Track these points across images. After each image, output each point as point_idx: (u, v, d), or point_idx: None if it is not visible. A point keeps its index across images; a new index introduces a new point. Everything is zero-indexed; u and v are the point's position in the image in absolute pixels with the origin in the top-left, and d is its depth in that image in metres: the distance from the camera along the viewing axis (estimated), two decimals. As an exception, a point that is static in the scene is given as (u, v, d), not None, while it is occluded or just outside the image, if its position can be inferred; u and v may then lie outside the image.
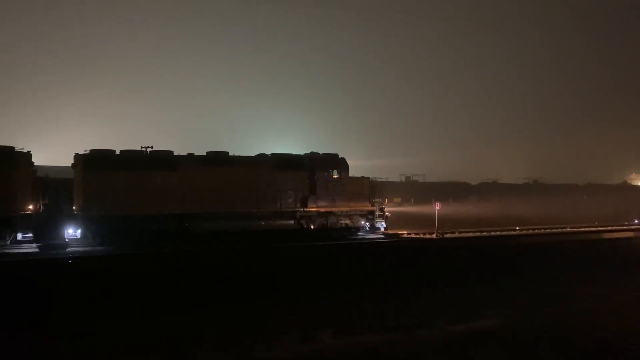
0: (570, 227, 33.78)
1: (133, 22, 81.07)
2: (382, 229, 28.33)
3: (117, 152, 23.97)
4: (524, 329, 12.07)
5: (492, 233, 30.40)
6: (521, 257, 22.12)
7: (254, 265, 18.65)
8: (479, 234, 29.83)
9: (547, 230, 32.27)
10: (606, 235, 29.72)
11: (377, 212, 28.13)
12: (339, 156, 27.99)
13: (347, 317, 12.79)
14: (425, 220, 30.17)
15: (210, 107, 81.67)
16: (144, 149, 24.56)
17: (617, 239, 28.12)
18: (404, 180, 56.05)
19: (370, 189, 28.48)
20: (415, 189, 48.80)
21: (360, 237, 27.60)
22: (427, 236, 27.85)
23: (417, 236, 27.89)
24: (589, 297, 15.54)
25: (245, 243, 23.38)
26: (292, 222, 26.34)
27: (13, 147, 22.39)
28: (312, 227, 26.76)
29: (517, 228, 32.33)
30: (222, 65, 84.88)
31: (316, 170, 26.93)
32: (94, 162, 23.07)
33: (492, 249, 23.81)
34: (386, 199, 29.55)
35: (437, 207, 28.49)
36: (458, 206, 38.72)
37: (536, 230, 32.05)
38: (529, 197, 45.47)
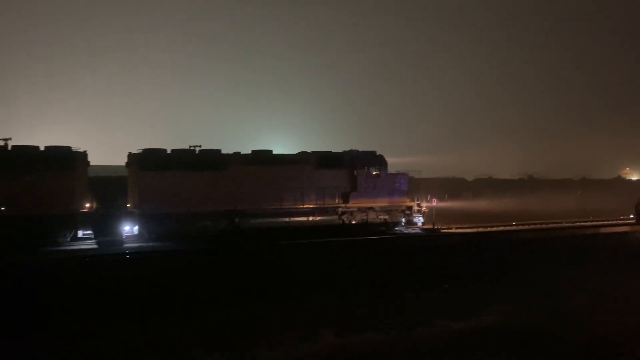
0: (566, 222, 34.05)
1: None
2: (420, 224, 29.13)
3: (168, 151, 24.71)
4: (522, 326, 12.13)
5: (488, 228, 30.85)
6: (518, 252, 22.00)
7: (253, 265, 18.54)
8: (474, 229, 30.24)
9: (543, 226, 32.52)
10: (602, 230, 29.54)
11: (415, 207, 28.90)
12: (377, 153, 28.76)
13: (347, 316, 12.81)
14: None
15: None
16: (192, 148, 25.29)
17: (613, 233, 27.96)
18: (400, 176, 56.48)
19: (408, 185, 29.23)
20: (411, 185, 49.13)
21: (396, 231, 28.45)
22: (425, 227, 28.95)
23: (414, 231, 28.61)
24: (585, 293, 15.50)
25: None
26: (335, 217, 27.13)
27: (70, 147, 23.10)
28: (353, 222, 27.55)
29: (513, 223, 32.84)
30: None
31: (357, 167, 27.71)
32: (148, 161, 23.80)
33: (489, 245, 23.80)
34: (421, 195, 30.25)
35: (434, 203, 29.25)
36: (454, 202, 39.02)
37: (532, 226, 32.35)
38: (523, 192, 45.65)
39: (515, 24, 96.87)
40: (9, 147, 22.18)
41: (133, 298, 13.94)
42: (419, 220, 29.14)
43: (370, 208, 27.95)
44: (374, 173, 28.04)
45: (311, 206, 26.57)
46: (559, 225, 33.09)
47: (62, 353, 10.19)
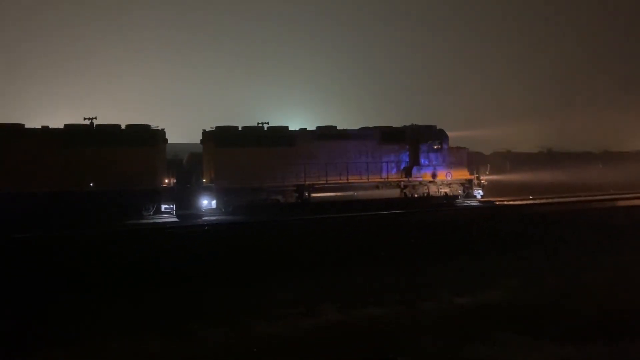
0: (585, 196, 33.54)
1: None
2: (479, 197, 29.67)
3: (240, 128, 25.64)
4: (530, 300, 11.79)
5: (503, 202, 30.71)
6: (532, 226, 21.52)
7: (257, 241, 18.29)
8: (488, 203, 30.10)
9: (560, 200, 31.95)
10: (621, 204, 28.77)
11: (475, 181, 29.43)
12: (438, 127, 29.26)
13: (351, 291, 12.54)
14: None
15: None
16: (261, 125, 26.16)
17: (633, 207, 27.14)
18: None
19: (468, 159, 29.74)
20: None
21: (456, 203, 29.09)
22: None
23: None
24: (599, 267, 14.94)
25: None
26: (398, 191, 27.88)
27: (149, 125, 24.17)
28: (415, 195, 28.25)
29: (530, 197, 32.49)
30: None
31: (419, 141, 28.29)
32: (223, 138, 24.77)
33: (501, 219, 23.46)
34: (479, 168, 30.68)
35: (450, 176, 29.07)
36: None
37: (549, 200, 31.90)
38: (543, 166, 44.52)
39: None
40: (94, 126, 23.37)
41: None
42: (478, 193, 29.67)
43: (432, 182, 28.60)
44: (435, 147, 28.60)
45: (376, 180, 27.34)
46: (577, 199, 32.58)
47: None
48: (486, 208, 28.41)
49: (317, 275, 14.07)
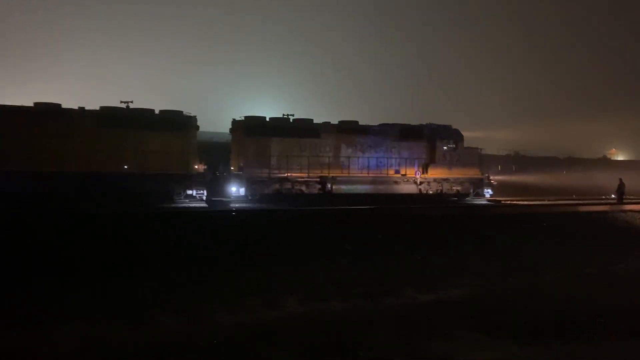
0: (548, 200, 34.36)
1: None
2: (488, 196, 30.87)
3: (267, 118, 26.25)
4: (490, 299, 12.15)
5: (512, 202, 31.28)
6: (495, 227, 21.77)
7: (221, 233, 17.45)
8: (495, 202, 30.51)
9: (524, 202, 32.40)
10: (582, 209, 29.27)
11: (486, 180, 30.64)
12: (453, 127, 30.36)
13: (313, 284, 12.66)
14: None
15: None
16: (286, 116, 26.82)
17: (593, 212, 27.92)
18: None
19: (480, 159, 30.92)
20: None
21: (466, 201, 30.22)
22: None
23: None
24: (558, 269, 15.62)
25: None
26: (414, 186, 28.89)
27: (182, 112, 24.58)
28: (430, 192, 29.30)
29: (494, 199, 32.89)
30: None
31: (436, 140, 29.34)
32: (252, 127, 25.36)
33: (466, 220, 23.49)
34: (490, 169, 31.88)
35: (418, 175, 29.38)
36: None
37: (513, 202, 32.39)
38: (509, 169, 45.29)
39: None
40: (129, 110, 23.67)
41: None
42: (487, 192, 30.88)
43: (446, 179, 29.70)
44: (451, 146, 29.67)
45: (395, 175, 28.28)
46: (542, 202, 33.16)
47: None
48: (488, 206, 29.17)
49: (279, 268, 13.77)
